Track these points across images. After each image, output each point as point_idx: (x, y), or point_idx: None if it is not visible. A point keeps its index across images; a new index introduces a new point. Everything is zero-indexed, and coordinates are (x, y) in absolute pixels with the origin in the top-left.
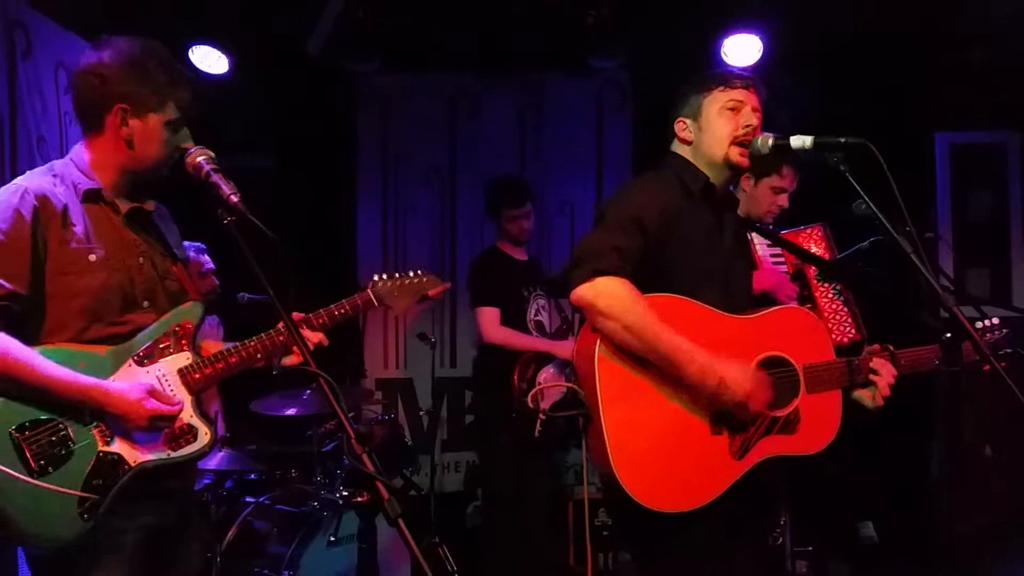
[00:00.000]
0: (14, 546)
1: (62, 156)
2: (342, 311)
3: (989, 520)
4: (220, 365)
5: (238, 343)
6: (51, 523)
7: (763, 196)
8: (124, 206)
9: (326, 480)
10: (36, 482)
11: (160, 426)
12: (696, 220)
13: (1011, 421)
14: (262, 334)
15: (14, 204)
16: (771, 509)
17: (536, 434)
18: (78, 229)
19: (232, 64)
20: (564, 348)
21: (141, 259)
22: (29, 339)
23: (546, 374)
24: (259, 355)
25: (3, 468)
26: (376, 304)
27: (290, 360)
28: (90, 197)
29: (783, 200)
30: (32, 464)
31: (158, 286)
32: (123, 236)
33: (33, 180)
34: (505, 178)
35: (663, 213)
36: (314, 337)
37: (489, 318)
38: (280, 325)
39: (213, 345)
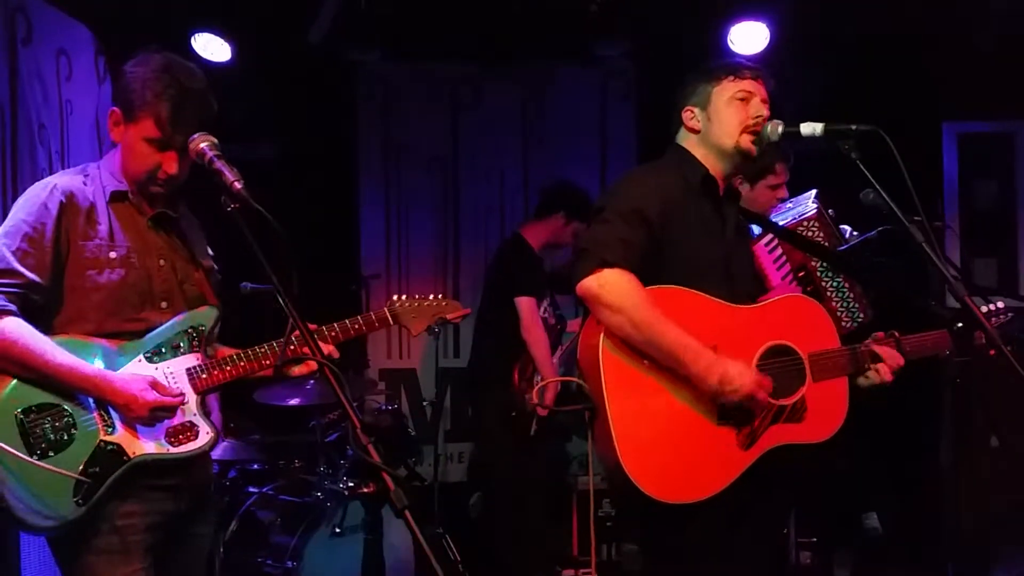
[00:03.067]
0: (15, 531)
1: (62, 144)
2: (356, 326)
3: (996, 512)
4: (229, 369)
5: (248, 350)
6: (47, 505)
7: (761, 196)
8: (150, 210)
9: (329, 471)
10: (35, 462)
11: (160, 416)
12: (696, 211)
13: (1020, 411)
14: (272, 342)
15: (42, 199)
16: (780, 499)
17: (532, 432)
18: (102, 228)
19: (234, 52)
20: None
21: (162, 261)
22: (47, 328)
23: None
24: (267, 362)
25: (5, 447)
26: (391, 323)
27: (300, 369)
28: (117, 198)
29: (782, 193)
30: (34, 447)
31: (177, 288)
32: (146, 238)
33: (64, 178)
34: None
35: (663, 204)
36: (324, 349)
37: (532, 309)
38: (293, 334)
39: (224, 349)
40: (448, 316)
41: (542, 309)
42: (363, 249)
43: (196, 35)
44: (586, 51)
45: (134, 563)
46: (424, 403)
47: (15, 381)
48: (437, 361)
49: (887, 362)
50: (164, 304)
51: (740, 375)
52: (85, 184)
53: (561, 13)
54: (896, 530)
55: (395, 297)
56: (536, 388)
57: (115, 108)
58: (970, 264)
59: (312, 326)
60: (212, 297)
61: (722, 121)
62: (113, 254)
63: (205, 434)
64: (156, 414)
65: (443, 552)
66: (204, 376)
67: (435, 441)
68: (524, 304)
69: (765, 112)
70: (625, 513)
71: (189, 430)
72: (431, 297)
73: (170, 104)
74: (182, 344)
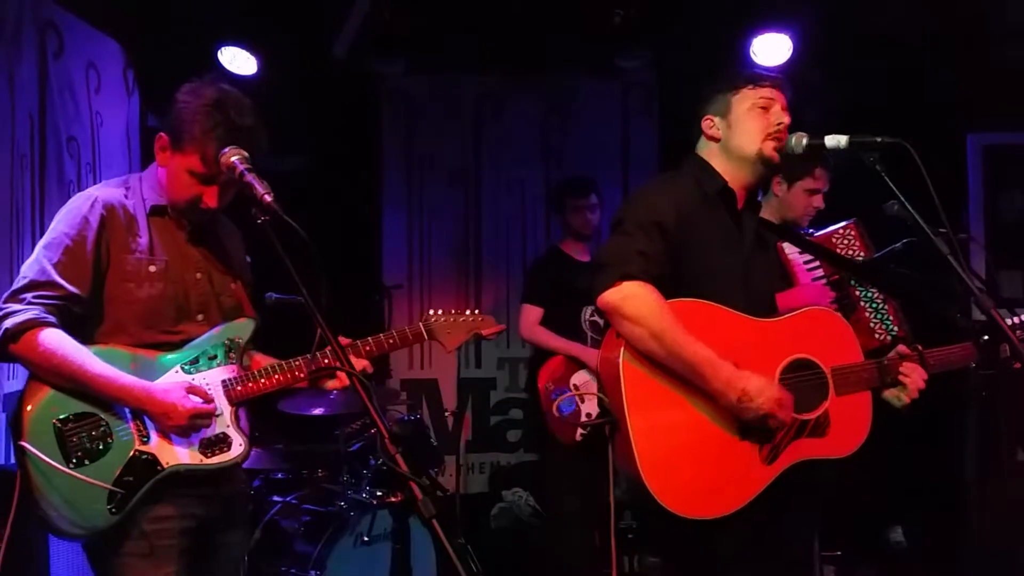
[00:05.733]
0: (45, 534)
1: (94, 156)
2: (391, 341)
3: (1021, 524)
4: (263, 381)
5: (283, 362)
6: (81, 513)
7: (797, 199)
8: (188, 223)
9: (353, 480)
10: (70, 472)
11: (199, 424)
12: (712, 221)
13: None
14: (307, 355)
15: (83, 212)
16: (805, 515)
17: (578, 438)
18: (142, 240)
19: (260, 65)
20: (593, 355)
21: (199, 274)
22: (87, 338)
23: (580, 378)
24: (302, 375)
25: (41, 456)
26: (425, 338)
27: (334, 384)
28: (156, 212)
29: (818, 201)
30: (70, 455)
31: (213, 301)
32: (185, 251)
33: (105, 191)
34: (571, 175)
35: (680, 215)
36: (358, 364)
37: (527, 316)
38: (327, 349)
39: (261, 359)
40: (483, 332)
41: (589, 311)
42: (385, 259)
43: (223, 48)
44: (608, 63)
45: (166, 567)
46: (446, 413)
47: (53, 390)
48: (459, 372)
49: (913, 379)
50: (200, 316)
51: (760, 392)
52: (126, 197)
53: (583, 25)
54: (921, 543)
55: (430, 312)
56: (558, 401)
57: (163, 134)
58: (995, 276)
59: (346, 340)
60: (249, 307)
61: (743, 129)
62: (152, 268)
63: (238, 446)
64: (195, 422)
65: (467, 564)
66: (239, 388)
67: (457, 451)
68: (522, 311)
69: (786, 119)
70: (647, 526)
71: (223, 441)
72: (467, 312)
73: (218, 143)
74: (218, 355)
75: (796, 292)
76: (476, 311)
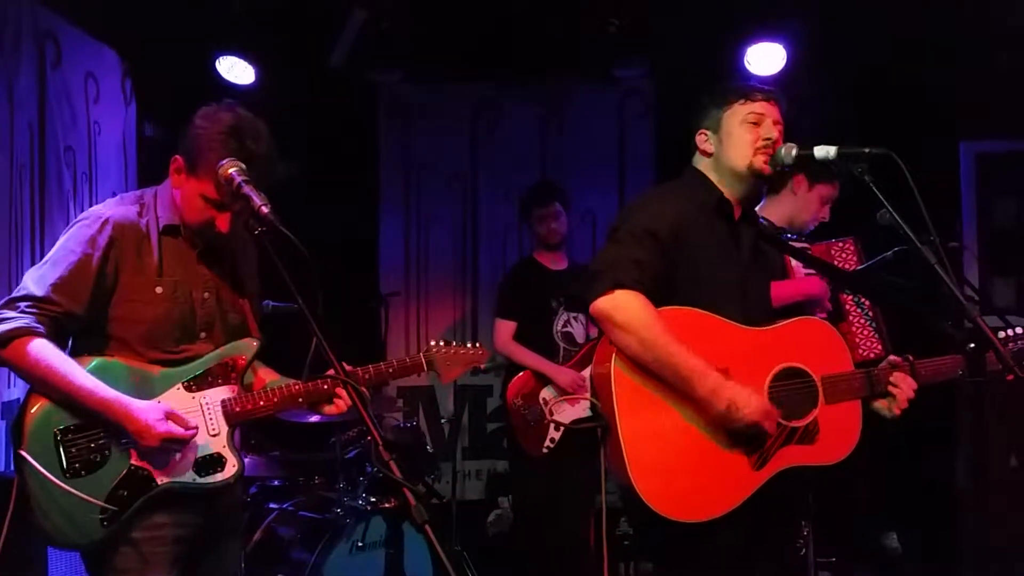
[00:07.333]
0: (44, 543)
1: (90, 165)
2: (390, 370)
3: (1015, 531)
4: (261, 403)
5: (282, 386)
6: (73, 524)
7: (813, 202)
8: (200, 242)
9: (349, 487)
10: (64, 486)
11: (172, 449)
12: (709, 232)
13: None
14: (309, 382)
15: (92, 232)
16: (792, 519)
17: (544, 450)
18: (151, 261)
19: (258, 75)
20: (564, 376)
21: (207, 293)
22: (91, 350)
23: (548, 393)
24: (301, 399)
25: (37, 467)
26: (424, 369)
27: (331, 409)
28: (169, 231)
29: (826, 213)
30: (66, 465)
31: (219, 319)
32: (194, 270)
33: (119, 209)
34: (536, 183)
35: (675, 226)
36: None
37: (500, 330)
38: (327, 372)
39: (266, 374)
40: (482, 365)
41: (561, 322)
42: (383, 267)
43: (221, 58)
44: (605, 71)
45: (159, 574)
46: (442, 420)
47: (51, 403)
48: (455, 379)
49: (902, 389)
50: (203, 335)
51: (747, 403)
52: (140, 215)
53: (581, 34)
54: (916, 549)
55: (432, 343)
56: (549, 405)
57: (178, 156)
58: (989, 284)
59: (346, 368)
60: (254, 326)
61: (734, 144)
62: (159, 289)
63: (231, 467)
64: (167, 445)
65: (461, 569)
66: (237, 408)
67: (453, 458)
68: (495, 326)
69: (775, 134)
70: (641, 532)
71: (217, 462)
72: (467, 345)
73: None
74: (220, 375)
75: (804, 281)
76: (477, 344)
